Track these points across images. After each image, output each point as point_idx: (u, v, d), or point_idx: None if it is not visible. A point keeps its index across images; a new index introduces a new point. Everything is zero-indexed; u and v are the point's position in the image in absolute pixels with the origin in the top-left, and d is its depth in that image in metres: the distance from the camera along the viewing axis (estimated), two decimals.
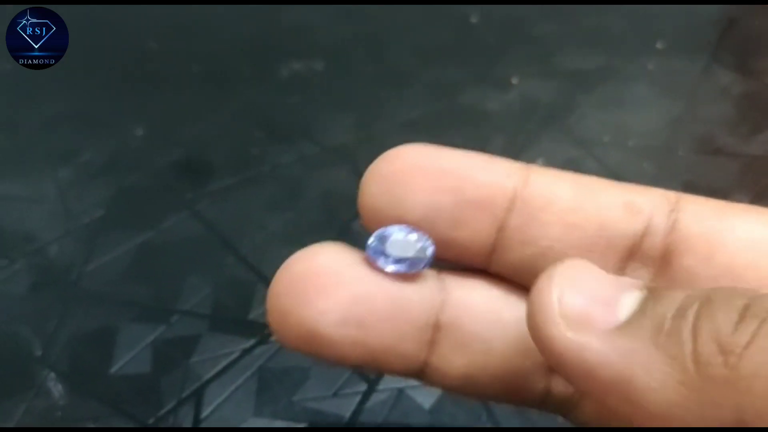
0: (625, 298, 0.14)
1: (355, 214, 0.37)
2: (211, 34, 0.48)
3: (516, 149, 0.40)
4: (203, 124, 0.42)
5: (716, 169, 0.39)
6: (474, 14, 0.49)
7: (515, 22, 0.49)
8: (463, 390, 0.18)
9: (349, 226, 0.36)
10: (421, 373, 0.18)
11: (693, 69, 0.45)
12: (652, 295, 0.14)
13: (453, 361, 0.17)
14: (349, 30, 0.48)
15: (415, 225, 0.17)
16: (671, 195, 0.17)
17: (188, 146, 0.41)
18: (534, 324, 0.14)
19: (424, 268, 0.17)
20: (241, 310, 0.33)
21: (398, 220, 0.17)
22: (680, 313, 0.13)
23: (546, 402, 0.18)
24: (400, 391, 0.30)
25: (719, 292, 0.13)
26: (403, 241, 0.17)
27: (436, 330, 0.17)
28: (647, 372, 0.13)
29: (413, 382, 0.30)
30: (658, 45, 0.46)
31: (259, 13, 0.49)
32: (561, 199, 0.17)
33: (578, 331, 0.14)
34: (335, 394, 0.30)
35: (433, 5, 0.50)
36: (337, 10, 0.49)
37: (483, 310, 0.18)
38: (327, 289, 0.17)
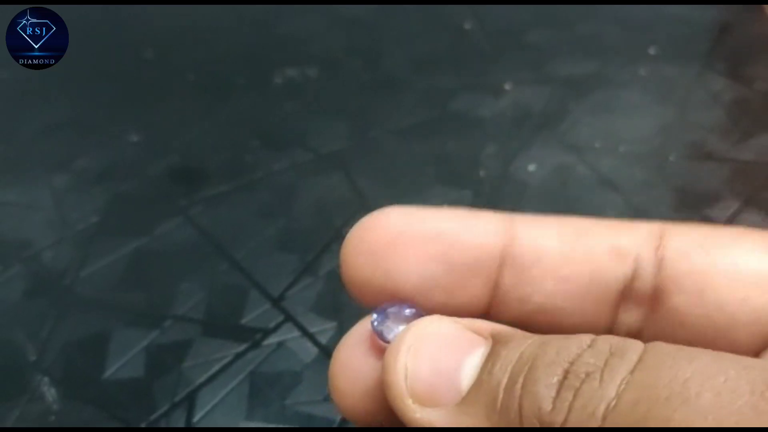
0: (468, 362, 0.15)
1: (348, 220, 0.37)
2: (206, 42, 0.48)
3: (508, 155, 0.40)
4: (197, 131, 0.42)
5: (707, 175, 0.39)
6: (468, 21, 0.49)
7: (509, 29, 0.49)
8: None
9: (342, 232, 0.36)
10: None
11: (685, 75, 0.45)
12: (492, 353, 0.15)
13: None
14: (342, 37, 0.49)
15: (408, 296, 0.17)
16: (656, 229, 0.17)
17: (183, 153, 0.41)
18: (387, 396, 0.15)
19: None
20: (234, 315, 0.33)
21: (389, 293, 0.17)
22: (511, 383, 0.14)
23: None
24: None
25: (547, 351, 0.14)
26: (403, 318, 0.16)
27: None
28: None
29: None
30: (651, 51, 0.47)
31: (254, 22, 0.50)
32: (549, 253, 0.17)
33: (426, 407, 0.15)
34: (326, 398, 0.30)
35: (428, 13, 0.50)
36: (330, 16, 0.50)
37: None
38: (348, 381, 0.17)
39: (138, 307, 0.34)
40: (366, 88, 0.45)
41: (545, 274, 0.17)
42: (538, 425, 0.13)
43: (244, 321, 0.33)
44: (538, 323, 0.17)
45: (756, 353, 0.16)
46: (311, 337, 0.32)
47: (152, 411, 0.30)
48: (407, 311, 0.16)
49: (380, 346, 0.16)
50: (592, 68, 0.46)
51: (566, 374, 0.14)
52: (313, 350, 0.32)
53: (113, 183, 0.39)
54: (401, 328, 0.16)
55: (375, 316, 0.17)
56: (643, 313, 0.17)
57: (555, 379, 0.14)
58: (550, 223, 0.17)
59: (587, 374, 0.13)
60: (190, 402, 0.30)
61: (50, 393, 0.31)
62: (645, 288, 0.17)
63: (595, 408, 0.13)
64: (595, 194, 0.38)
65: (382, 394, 0.16)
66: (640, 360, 0.13)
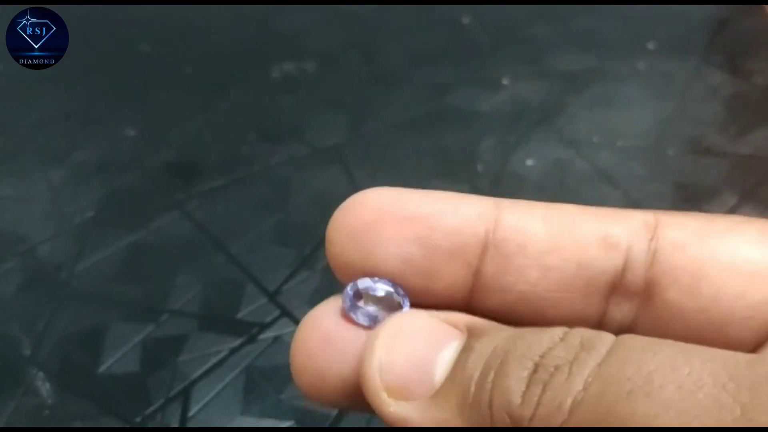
0: (442, 356, 0.15)
1: None
2: (203, 36, 0.48)
3: (506, 150, 0.40)
4: (194, 125, 0.42)
5: (705, 169, 0.39)
6: (466, 16, 0.49)
7: (507, 24, 0.49)
8: None
9: None
10: None
11: (683, 70, 0.45)
12: (466, 347, 0.15)
13: None
14: (340, 31, 0.48)
15: (387, 277, 0.16)
16: (650, 219, 0.16)
17: (179, 147, 0.41)
18: (364, 390, 0.15)
19: None
20: (230, 309, 0.33)
21: (370, 273, 0.16)
22: (483, 377, 0.14)
23: None
24: None
25: (519, 345, 0.14)
26: (375, 298, 0.16)
27: None
28: None
29: None
30: (649, 46, 0.46)
31: (251, 16, 0.49)
32: (534, 241, 0.16)
33: (399, 401, 0.15)
34: None
35: (425, 8, 0.50)
36: (328, 11, 0.49)
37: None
38: (332, 349, 0.17)
39: (134, 301, 0.34)
40: (363, 82, 0.45)
41: (529, 263, 0.16)
42: (507, 419, 0.13)
43: (240, 315, 0.33)
44: (522, 313, 0.17)
45: (753, 348, 0.16)
46: None
47: (147, 405, 0.30)
48: (380, 290, 0.16)
49: (349, 323, 0.16)
50: (591, 63, 0.45)
51: (536, 368, 0.14)
52: None
53: (110, 177, 0.39)
54: (370, 308, 0.16)
55: (346, 293, 0.16)
56: (634, 306, 0.16)
57: (525, 373, 0.14)
58: (537, 210, 0.17)
59: (556, 368, 0.13)
60: (185, 396, 0.30)
61: (45, 387, 0.31)
62: (637, 281, 0.16)
63: (561, 401, 0.13)
64: (594, 189, 0.38)
65: (345, 375, 0.16)
66: (608, 353, 0.13)
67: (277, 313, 0.33)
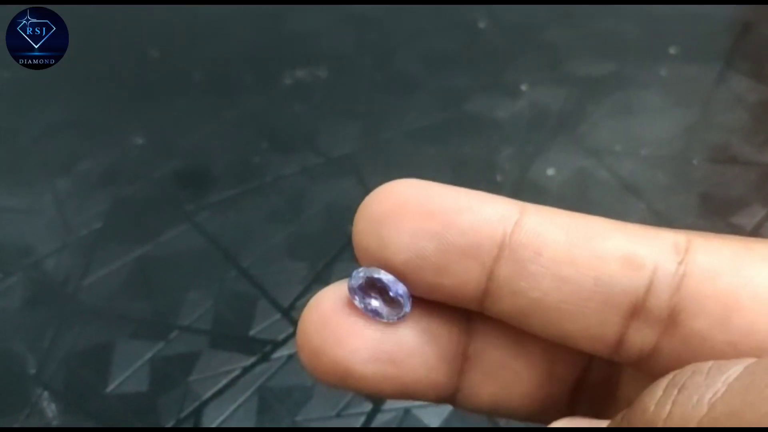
0: None
1: None
2: (213, 41, 0.47)
3: (526, 159, 0.39)
4: (204, 133, 0.41)
5: (732, 179, 0.38)
6: (482, 20, 0.48)
7: (524, 28, 0.48)
8: (493, 413, 0.18)
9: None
10: (453, 398, 0.18)
11: (707, 75, 0.44)
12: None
13: (482, 388, 0.18)
14: (353, 36, 0.47)
15: (400, 270, 0.16)
16: (681, 240, 0.16)
17: (189, 156, 0.40)
18: None
19: (398, 320, 0.17)
20: (243, 326, 0.32)
21: (385, 263, 0.16)
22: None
23: None
24: (407, 411, 0.29)
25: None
26: (386, 295, 0.16)
27: (465, 360, 0.18)
28: None
29: (419, 402, 0.29)
30: (672, 51, 0.45)
31: (262, 20, 0.48)
32: (551, 249, 0.16)
33: None
34: (339, 415, 0.29)
35: (440, 11, 0.49)
36: (341, 16, 0.48)
37: (509, 341, 0.17)
38: (355, 326, 0.16)
39: (143, 317, 0.33)
40: (377, 88, 0.44)
41: (543, 271, 0.16)
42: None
43: (252, 332, 0.32)
44: (534, 320, 0.16)
45: None
46: None
47: (157, 427, 0.29)
48: (392, 291, 0.16)
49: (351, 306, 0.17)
50: (611, 68, 0.44)
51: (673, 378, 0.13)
52: None
53: (117, 187, 0.38)
54: (375, 302, 0.16)
55: (356, 275, 0.17)
56: (656, 333, 0.15)
57: (663, 384, 0.13)
58: (561, 217, 0.16)
59: (693, 372, 0.13)
60: (196, 418, 0.29)
61: (50, 407, 0.30)
62: (661, 306, 0.15)
63: (701, 396, 0.12)
64: (616, 199, 0.37)
65: (339, 357, 0.16)
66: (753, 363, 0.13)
67: (290, 330, 0.32)
